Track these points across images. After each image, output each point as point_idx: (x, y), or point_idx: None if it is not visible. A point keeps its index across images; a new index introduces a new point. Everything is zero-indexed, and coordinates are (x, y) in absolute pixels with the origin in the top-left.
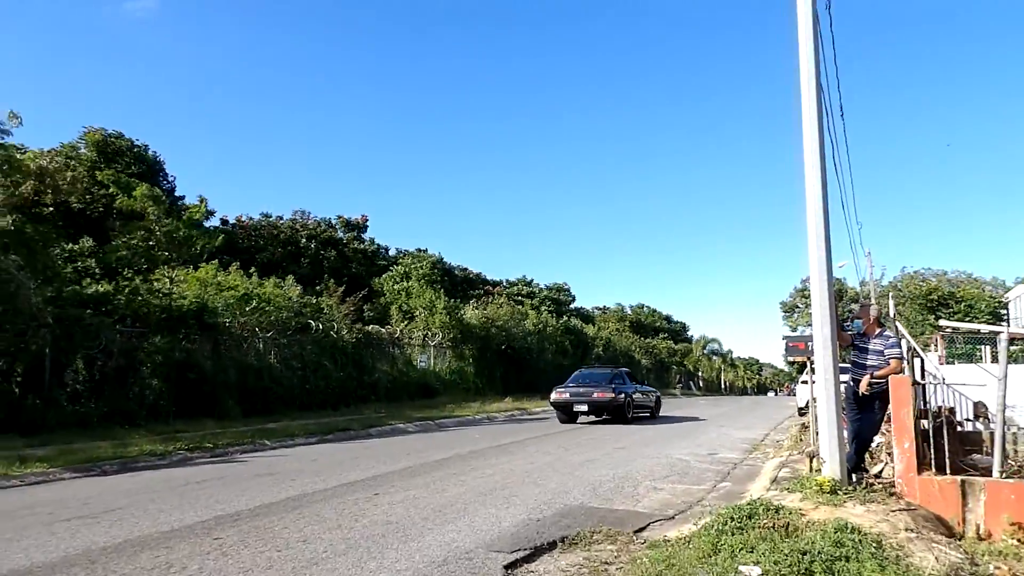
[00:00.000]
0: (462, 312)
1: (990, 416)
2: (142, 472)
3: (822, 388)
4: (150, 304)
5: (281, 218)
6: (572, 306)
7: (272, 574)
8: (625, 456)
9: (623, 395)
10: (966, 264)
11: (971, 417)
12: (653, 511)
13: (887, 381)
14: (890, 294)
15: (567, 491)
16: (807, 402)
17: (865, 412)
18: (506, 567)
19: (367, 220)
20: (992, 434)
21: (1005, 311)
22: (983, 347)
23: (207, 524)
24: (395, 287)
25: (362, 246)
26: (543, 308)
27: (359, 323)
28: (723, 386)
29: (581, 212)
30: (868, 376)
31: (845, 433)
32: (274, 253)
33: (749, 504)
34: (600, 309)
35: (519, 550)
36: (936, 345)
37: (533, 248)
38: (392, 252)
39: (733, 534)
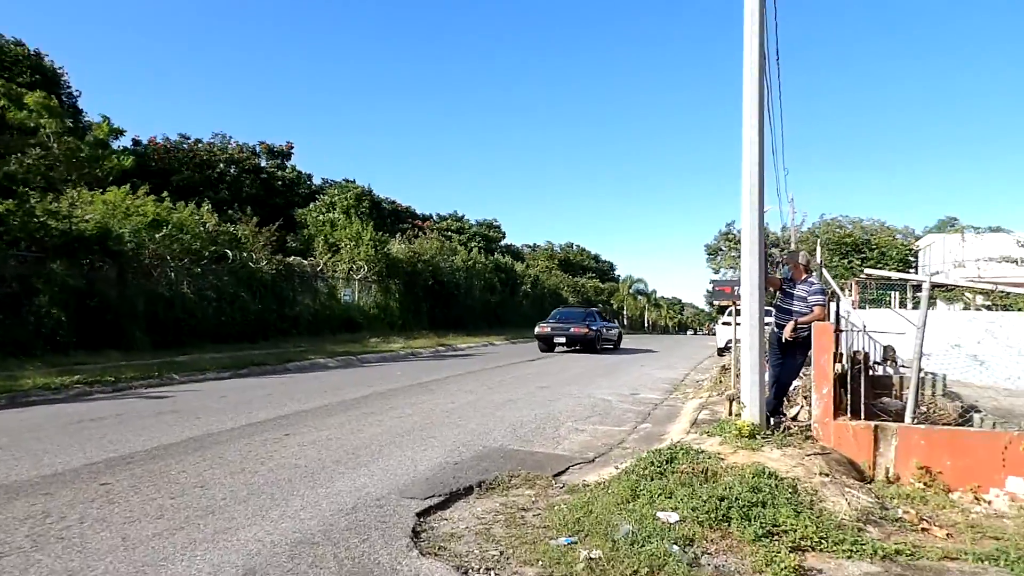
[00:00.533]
0: (388, 246)
1: (898, 360)
2: (32, 407)
3: (747, 334)
4: (48, 227)
5: (200, 141)
6: (502, 243)
7: (162, 524)
8: (548, 396)
9: (594, 330)
10: (880, 212)
11: (880, 361)
12: (573, 454)
13: (810, 327)
14: (817, 240)
15: (487, 432)
16: (727, 342)
17: (787, 357)
18: (418, 514)
19: (292, 147)
20: (902, 378)
21: (914, 259)
22: (892, 293)
23: (96, 467)
24: (319, 218)
25: (284, 173)
26: (473, 244)
27: (280, 254)
28: (646, 325)
29: (515, 150)
30: (793, 322)
31: (766, 377)
32: (193, 176)
33: (669, 448)
34: (530, 247)
35: (433, 496)
36: (850, 290)
37: (465, 183)
38: (317, 181)
39: (652, 479)
